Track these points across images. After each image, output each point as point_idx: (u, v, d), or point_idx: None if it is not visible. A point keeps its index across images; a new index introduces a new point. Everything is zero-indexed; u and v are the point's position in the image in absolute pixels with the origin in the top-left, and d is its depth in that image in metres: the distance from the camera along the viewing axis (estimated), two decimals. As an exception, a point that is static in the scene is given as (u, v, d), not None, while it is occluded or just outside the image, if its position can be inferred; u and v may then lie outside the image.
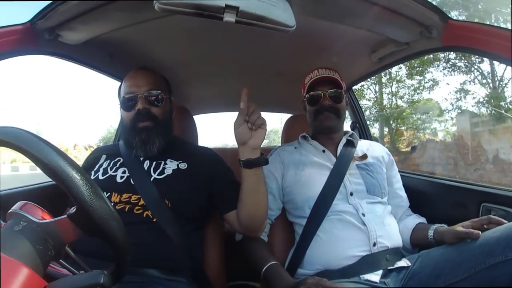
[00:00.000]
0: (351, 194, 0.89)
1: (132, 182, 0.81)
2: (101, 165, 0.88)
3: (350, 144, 0.99)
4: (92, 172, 0.86)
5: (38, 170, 0.39)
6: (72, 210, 0.42)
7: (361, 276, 0.77)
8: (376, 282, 0.76)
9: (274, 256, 0.86)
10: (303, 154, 0.98)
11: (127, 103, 0.87)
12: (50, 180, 0.53)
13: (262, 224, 0.84)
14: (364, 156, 0.97)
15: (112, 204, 0.76)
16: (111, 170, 0.85)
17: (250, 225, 0.82)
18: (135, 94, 0.85)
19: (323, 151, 0.98)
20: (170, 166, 0.85)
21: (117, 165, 0.86)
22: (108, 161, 0.88)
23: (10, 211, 0.43)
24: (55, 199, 0.79)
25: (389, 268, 0.79)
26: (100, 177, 0.84)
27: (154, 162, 0.86)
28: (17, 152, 0.38)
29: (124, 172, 0.84)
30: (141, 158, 0.86)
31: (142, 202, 0.78)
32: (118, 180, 0.82)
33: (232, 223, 0.85)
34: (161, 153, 0.86)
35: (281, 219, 0.97)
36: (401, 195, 0.99)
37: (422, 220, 0.93)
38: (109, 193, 0.80)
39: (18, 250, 0.38)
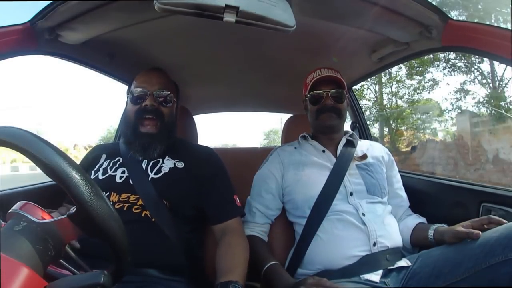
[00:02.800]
0: (351, 194, 0.89)
1: (131, 182, 0.81)
2: (101, 165, 0.88)
3: (350, 144, 0.99)
4: (92, 172, 0.87)
5: (38, 170, 0.39)
6: (72, 210, 0.42)
7: (361, 276, 0.77)
8: (376, 282, 0.76)
9: (274, 256, 0.86)
10: (303, 154, 0.98)
11: (135, 97, 0.87)
12: (50, 180, 0.53)
13: None
14: (364, 156, 0.97)
15: (111, 203, 0.76)
16: (110, 170, 0.85)
17: None
18: (146, 90, 0.86)
19: (323, 151, 0.98)
20: (167, 164, 0.86)
21: (117, 165, 0.86)
22: (108, 160, 0.88)
23: (10, 211, 0.43)
24: (55, 199, 0.80)
25: (389, 268, 0.79)
26: (100, 177, 0.84)
27: (152, 161, 0.86)
28: (17, 152, 0.38)
29: (123, 172, 0.84)
30: (140, 158, 0.86)
31: (140, 202, 0.78)
32: (117, 180, 0.82)
33: (215, 235, 0.85)
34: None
35: (281, 219, 0.97)
36: (401, 195, 0.99)
37: (422, 220, 0.93)
38: (108, 193, 0.80)
39: (18, 250, 0.38)
